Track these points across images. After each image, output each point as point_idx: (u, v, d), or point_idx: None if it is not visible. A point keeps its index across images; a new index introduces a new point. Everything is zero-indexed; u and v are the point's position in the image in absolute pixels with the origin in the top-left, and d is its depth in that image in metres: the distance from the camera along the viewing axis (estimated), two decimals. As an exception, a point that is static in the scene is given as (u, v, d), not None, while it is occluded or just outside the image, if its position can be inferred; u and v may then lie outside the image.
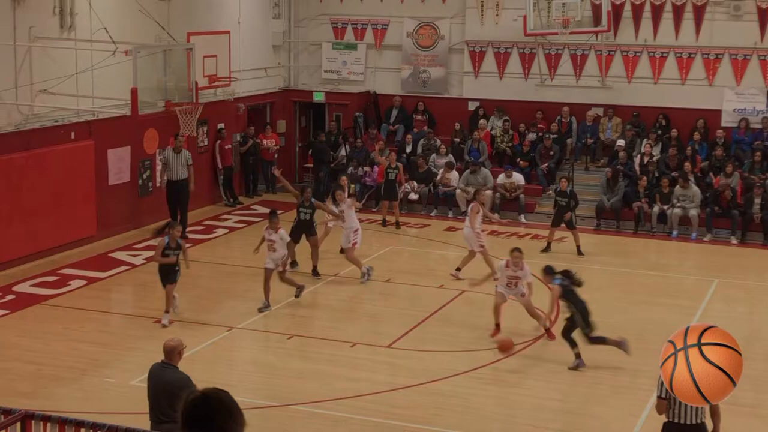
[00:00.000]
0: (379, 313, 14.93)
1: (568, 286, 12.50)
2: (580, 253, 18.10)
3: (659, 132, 21.58)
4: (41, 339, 13.27)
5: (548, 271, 12.80)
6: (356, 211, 16.94)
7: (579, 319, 12.34)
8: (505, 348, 12.25)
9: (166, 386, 8.21)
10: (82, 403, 10.88)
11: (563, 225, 18.37)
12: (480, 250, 16.19)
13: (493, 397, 11.75)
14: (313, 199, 16.25)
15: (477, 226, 16.25)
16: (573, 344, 12.43)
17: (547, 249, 18.31)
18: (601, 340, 12.40)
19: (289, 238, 14.79)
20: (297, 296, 14.80)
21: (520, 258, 13.51)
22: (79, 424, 7.49)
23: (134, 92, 15.22)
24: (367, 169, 22.01)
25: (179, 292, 14.08)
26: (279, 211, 15.66)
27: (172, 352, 8.34)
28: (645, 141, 21.41)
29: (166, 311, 13.80)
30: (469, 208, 16.70)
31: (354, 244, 16.19)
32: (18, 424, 7.36)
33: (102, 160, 18.16)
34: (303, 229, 16.18)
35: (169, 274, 13.73)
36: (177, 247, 13.66)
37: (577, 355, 12.39)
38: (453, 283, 16.20)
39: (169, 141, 18.86)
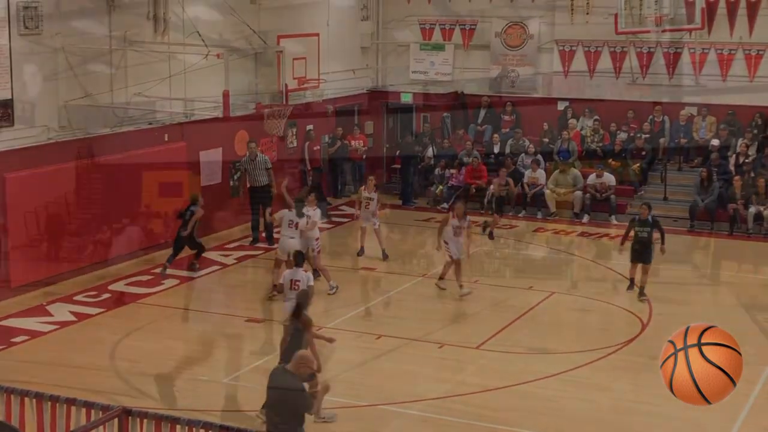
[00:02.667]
0: (467, 315, 14.87)
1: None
2: (642, 294, 15.11)
3: (755, 131, 21.05)
4: (136, 337, 13.56)
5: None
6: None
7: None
8: None
9: (284, 394, 7.93)
10: (176, 400, 11.08)
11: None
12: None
13: (583, 400, 11.60)
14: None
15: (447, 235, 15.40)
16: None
17: (631, 287, 15.36)
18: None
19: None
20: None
21: None
22: (175, 420, 7.62)
23: (226, 95, 15.43)
24: (453, 170, 21.93)
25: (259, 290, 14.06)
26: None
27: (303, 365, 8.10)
28: (740, 140, 20.89)
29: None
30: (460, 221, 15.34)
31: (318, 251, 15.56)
32: (116, 421, 7.52)
33: (194, 161, 18.49)
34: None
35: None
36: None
37: (166, 262, 15.91)
38: (542, 284, 16.04)
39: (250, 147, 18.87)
